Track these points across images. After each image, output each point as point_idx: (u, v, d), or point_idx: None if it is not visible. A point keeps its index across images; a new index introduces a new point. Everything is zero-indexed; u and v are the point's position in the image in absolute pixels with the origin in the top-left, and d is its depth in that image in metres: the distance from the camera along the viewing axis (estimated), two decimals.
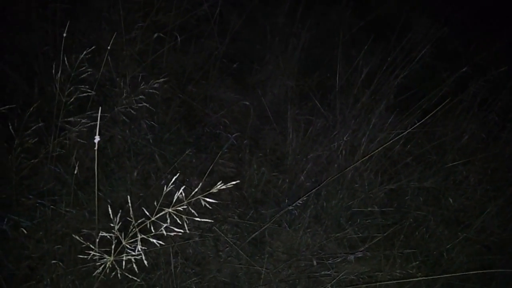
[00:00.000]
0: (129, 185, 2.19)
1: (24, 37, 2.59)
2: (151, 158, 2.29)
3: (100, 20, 2.58)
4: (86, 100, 1.86)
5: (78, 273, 1.83)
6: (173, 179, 1.03)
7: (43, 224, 1.95)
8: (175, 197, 1.03)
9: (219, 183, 1.00)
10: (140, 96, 1.76)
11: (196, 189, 1.02)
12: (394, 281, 1.75)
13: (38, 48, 2.45)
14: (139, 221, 1.05)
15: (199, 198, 1.04)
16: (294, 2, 2.88)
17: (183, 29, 2.50)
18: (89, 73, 1.66)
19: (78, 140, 1.82)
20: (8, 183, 2.11)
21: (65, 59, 1.68)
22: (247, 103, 2.58)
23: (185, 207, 1.02)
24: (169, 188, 1.04)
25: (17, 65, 2.48)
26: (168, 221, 1.06)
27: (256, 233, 1.92)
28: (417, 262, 1.95)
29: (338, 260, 1.89)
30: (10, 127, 1.62)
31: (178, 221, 1.06)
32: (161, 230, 1.05)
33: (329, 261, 1.89)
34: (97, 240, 1.12)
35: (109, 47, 1.36)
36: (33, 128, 1.68)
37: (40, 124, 1.68)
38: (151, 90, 1.77)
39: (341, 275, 1.73)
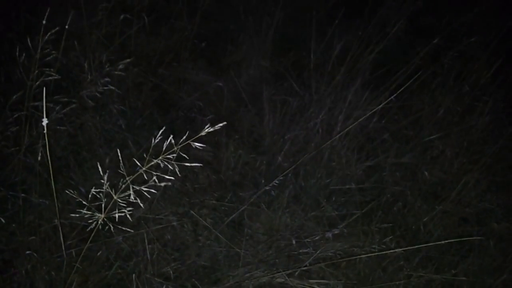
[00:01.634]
0: (102, 173, 2.14)
1: None
2: (125, 145, 2.23)
3: (66, 3, 2.48)
4: (53, 86, 1.80)
5: (54, 263, 1.79)
6: (160, 132, 1.01)
7: (15, 216, 1.90)
8: (164, 146, 1.02)
9: (207, 126, 0.98)
10: (106, 79, 1.71)
11: (184, 137, 0.99)
12: (373, 254, 1.76)
13: (2, 34, 2.36)
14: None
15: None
16: None
17: (151, 10, 2.43)
18: (53, 55, 1.60)
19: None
20: None
21: (29, 43, 1.62)
22: (221, 84, 2.53)
23: (175, 155, 0.99)
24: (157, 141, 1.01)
25: None
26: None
27: (234, 215, 1.90)
28: (396, 236, 1.96)
29: (317, 238, 1.89)
30: None
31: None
32: (154, 180, 1.02)
33: (308, 240, 1.88)
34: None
35: (67, 26, 1.29)
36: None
37: (22, 113, 1.61)
38: (117, 73, 1.71)
39: (318, 252, 1.72)
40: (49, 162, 1.00)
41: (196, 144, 0.99)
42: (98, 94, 1.71)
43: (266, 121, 2.47)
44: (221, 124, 0.96)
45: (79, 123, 2.19)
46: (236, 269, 1.86)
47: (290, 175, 2.15)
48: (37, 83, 1.42)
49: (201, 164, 1.03)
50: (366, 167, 2.22)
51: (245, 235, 1.99)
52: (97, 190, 1.03)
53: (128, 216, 1.02)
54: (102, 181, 1.02)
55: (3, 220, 1.68)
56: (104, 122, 2.16)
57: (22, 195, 1.86)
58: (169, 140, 0.98)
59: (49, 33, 1.48)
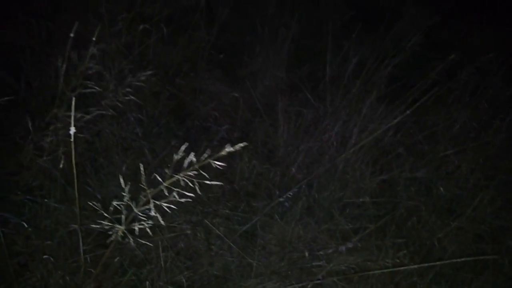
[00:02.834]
0: (119, 181, 2.16)
1: (9, 31, 2.55)
2: (141, 153, 2.26)
3: (86, 12, 2.53)
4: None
5: (69, 268, 1.81)
6: (183, 148, 1.01)
7: (32, 220, 1.93)
8: (186, 162, 1.03)
9: (226, 146, 0.99)
10: (127, 89, 1.74)
11: (205, 154, 1.00)
12: (386, 270, 1.74)
13: (24, 42, 2.41)
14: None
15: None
16: None
17: (169, 21, 2.47)
18: (93, 69, 1.62)
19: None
20: None
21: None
22: (237, 95, 2.56)
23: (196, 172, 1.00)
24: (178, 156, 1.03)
25: (2, 60, 2.44)
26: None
27: (247, 225, 1.90)
28: (409, 252, 1.94)
29: (330, 251, 1.88)
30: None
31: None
32: (174, 196, 1.03)
33: (321, 252, 1.87)
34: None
35: (94, 38, 1.32)
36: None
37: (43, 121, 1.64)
38: (138, 83, 1.74)
39: (331, 265, 1.72)
40: (74, 169, 1.02)
41: (217, 163, 1.00)
42: (119, 104, 1.74)
43: (281, 132, 2.48)
44: (242, 145, 0.97)
45: (97, 130, 2.22)
46: (248, 280, 1.87)
47: (303, 186, 2.16)
48: (74, 94, 1.45)
49: (221, 183, 1.04)
50: (380, 181, 2.21)
51: (258, 246, 2.00)
52: (118, 203, 1.05)
53: (148, 229, 1.03)
54: (124, 193, 1.03)
55: (25, 224, 1.70)
56: (121, 129, 2.19)
57: (41, 200, 1.89)
58: (189, 157, 0.99)
59: (91, 48, 1.50)
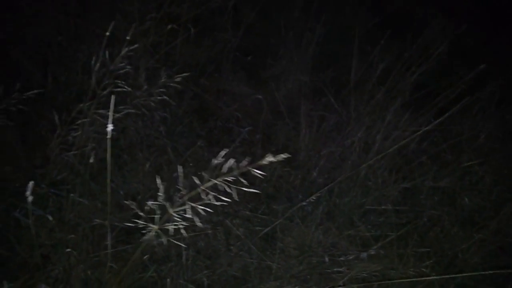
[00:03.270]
0: (141, 177, 2.19)
1: (38, 27, 2.59)
2: (163, 150, 2.28)
3: (114, 11, 2.57)
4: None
5: (91, 262, 1.83)
6: (223, 153, 1.02)
7: (56, 213, 1.95)
8: (225, 168, 1.02)
9: (267, 155, 0.99)
10: (161, 89, 1.75)
11: (245, 161, 1.00)
12: (408, 280, 1.73)
13: (52, 37, 2.45)
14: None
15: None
16: None
17: (196, 21, 2.48)
18: (125, 69, 1.63)
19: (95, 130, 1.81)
20: (21, 172, 2.12)
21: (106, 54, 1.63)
22: (260, 97, 2.56)
23: (234, 178, 1.00)
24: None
25: (30, 54, 2.49)
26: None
27: (268, 228, 1.90)
28: (431, 262, 1.92)
29: (351, 257, 1.87)
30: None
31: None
32: (209, 199, 1.04)
33: (341, 258, 1.87)
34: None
35: (128, 37, 1.34)
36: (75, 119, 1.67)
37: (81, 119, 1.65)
38: (172, 84, 1.76)
39: (353, 272, 1.71)
40: (109, 166, 1.03)
41: (256, 171, 1.00)
42: (152, 103, 1.75)
43: (303, 136, 2.48)
44: (284, 156, 0.97)
45: (122, 127, 2.25)
46: (267, 282, 1.87)
47: (324, 191, 2.15)
48: (105, 92, 1.47)
49: (259, 191, 1.04)
50: (403, 189, 2.20)
51: (277, 249, 2.00)
52: (153, 203, 1.06)
53: (182, 231, 1.04)
54: (159, 194, 1.04)
55: (50, 218, 1.72)
56: (146, 127, 2.21)
57: (66, 193, 1.92)
58: (231, 162, 0.99)
59: (126, 49, 1.51)
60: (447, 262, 1.97)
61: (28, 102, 1.65)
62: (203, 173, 0.99)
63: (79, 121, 1.64)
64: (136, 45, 1.42)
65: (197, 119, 2.45)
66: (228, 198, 1.02)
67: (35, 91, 1.62)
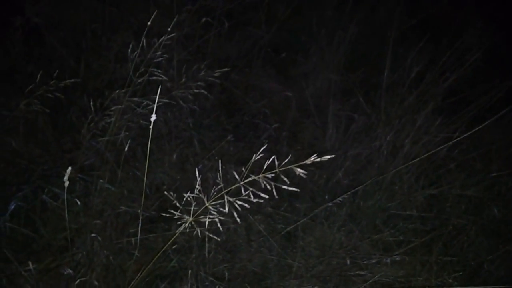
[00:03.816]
0: (167, 168, 2.21)
1: (73, 14, 2.64)
2: (190, 143, 2.29)
3: (149, 1, 2.59)
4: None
5: (113, 249, 1.86)
6: (261, 149, 1.04)
7: (81, 198, 1.99)
8: (265, 165, 1.03)
9: (313, 156, 0.98)
10: (198, 83, 1.77)
11: (287, 159, 1.00)
12: (430, 287, 1.71)
13: (87, 25, 2.49)
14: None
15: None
16: None
17: (230, 16, 2.49)
18: (162, 58, 1.64)
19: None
20: (50, 156, 2.17)
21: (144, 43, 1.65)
22: (290, 94, 2.55)
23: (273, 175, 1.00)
24: (258, 157, 1.04)
25: (65, 41, 2.53)
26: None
27: (291, 226, 1.90)
28: (454, 271, 1.89)
29: (373, 261, 1.86)
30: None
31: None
32: (248, 195, 1.04)
33: (364, 261, 1.85)
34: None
35: (169, 29, 1.35)
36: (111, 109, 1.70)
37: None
38: (210, 78, 1.77)
39: (376, 276, 1.69)
40: (148, 155, 1.04)
41: (300, 170, 1.00)
42: (190, 96, 1.77)
43: (329, 135, 2.46)
44: (328, 156, 0.97)
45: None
46: (287, 280, 1.86)
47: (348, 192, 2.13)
48: (140, 80, 1.49)
49: (298, 189, 1.04)
50: (429, 195, 2.16)
51: (298, 247, 1.99)
52: (191, 195, 1.06)
53: (219, 225, 1.05)
54: (197, 187, 1.05)
55: (78, 202, 1.76)
56: (175, 118, 2.23)
57: (92, 179, 1.95)
58: (272, 159, 0.99)
59: (163, 38, 1.52)
60: (471, 272, 1.93)
61: (64, 90, 1.68)
62: (243, 169, 0.99)
63: (113, 108, 1.66)
64: (173, 35, 1.41)
65: (225, 113, 2.46)
66: (267, 195, 1.02)
67: (72, 80, 1.65)
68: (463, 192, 2.19)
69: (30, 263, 1.54)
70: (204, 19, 2.21)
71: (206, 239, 1.78)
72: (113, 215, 1.96)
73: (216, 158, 2.24)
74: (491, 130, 2.43)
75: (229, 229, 2.07)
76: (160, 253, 1.14)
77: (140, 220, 1.25)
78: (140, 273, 1.33)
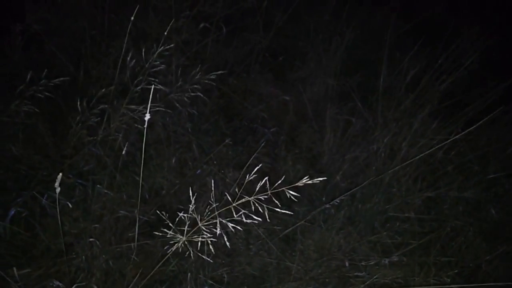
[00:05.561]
0: (166, 172, 2.22)
1: (73, 21, 2.65)
2: (189, 147, 2.31)
3: (148, 8, 2.61)
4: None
5: (112, 253, 1.86)
6: (255, 169, 1.04)
7: (81, 203, 1.99)
8: (258, 187, 1.04)
9: (305, 178, 1.00)
10: (194, 86, 1.78)
11: (280, 181, 1.00)
12: None
13: (86, 32, 2.51)
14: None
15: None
16: (340, 1, 2.85)
17: (228, 21, 2.51)
18: (159, 67, 1.66)
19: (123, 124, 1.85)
20: (49, 161, 2.18)
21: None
22: (287, 98, 2.57)
23: (266, 196, 1.02)
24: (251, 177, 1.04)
25: (64, 47, 2.55)
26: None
27: (289, 229, 1.91)
28: (453, 272, 1.90)
29: (371, 263, 1.86)
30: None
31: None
32: (241, 216, 1.05)
33: (362, 263, 1.86)
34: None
35: (165, 33, 1.37)
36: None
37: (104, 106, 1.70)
38: (206, 81, 1.79)
39: (374, 278, 1.70)
40: (143, 156, 1.05)
41: (291, 193, 1.02)
42: (186, 99, 1.78)
43: (327, 139, 2.47)
44: (320, 179, 0.98)
45: (150, 122, 2.28)
46: (286, 283, 1.87)
47: (346, 195, 2.14)
48: (138, 88, 1.50)
49: (292, 213, 1.05)
50: (427, 197, 2.17)
51: (297, 250, 2.00)
52: (184, 215, 1.08)
53: (210, 246, 1.06)
54: (190, 205, 1.06)
55: (70, 205, 1.76)
56: (173, 123, 2.24)
57: (91, 184, 1.96)
58: (264, 181, 1.00)
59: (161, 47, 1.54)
60: (469, 273, 1.94)
61: (57, 91, 1.69)
62: (236, 190, 1.01)
63: (100, 107, 1.67)
64: (172, 45, 1.43)
65: (223, 118, 2.47)
66: (259, 218, 1.03)
67: (61, 78, 1.66)
68: (461, 194, 2.20)
69: (14, 269, 1.51)
70: (202, 25, 2.24)
71: (205, 244, 1.78)
72: (112, 220, 1.96)
73: (215, 162, 2.25)
74: (487, 132, 2.45)
75: (227, 233, 2.08)
76: (155, 269, 1.15)
77: (137, 225, 1.26)
78: (136, 277, 1.34)
